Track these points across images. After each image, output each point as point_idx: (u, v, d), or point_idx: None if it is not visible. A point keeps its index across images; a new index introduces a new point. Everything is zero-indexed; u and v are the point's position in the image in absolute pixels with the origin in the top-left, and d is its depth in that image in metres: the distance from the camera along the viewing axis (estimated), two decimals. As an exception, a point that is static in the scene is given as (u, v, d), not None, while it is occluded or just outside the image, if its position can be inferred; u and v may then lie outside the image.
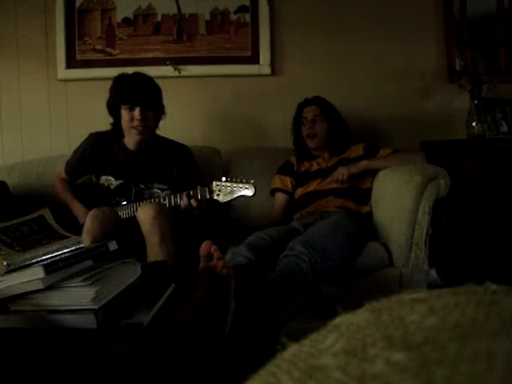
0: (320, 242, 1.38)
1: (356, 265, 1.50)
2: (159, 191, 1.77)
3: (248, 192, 1.48)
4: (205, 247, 1.13)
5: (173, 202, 1.57)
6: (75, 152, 1.86)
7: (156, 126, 1.81)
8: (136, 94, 1.67)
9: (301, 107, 2.01)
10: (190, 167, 1.83)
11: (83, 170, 1.84)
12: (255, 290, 1.22)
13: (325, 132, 1.93)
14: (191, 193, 1.53)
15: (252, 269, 1.35)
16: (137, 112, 1.67)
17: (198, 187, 1.53)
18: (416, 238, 1.55)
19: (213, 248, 1.13)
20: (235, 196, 1.49)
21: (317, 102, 1.98)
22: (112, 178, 1.77)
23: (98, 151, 1.80)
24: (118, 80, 1.73)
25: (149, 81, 1.72)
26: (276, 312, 1.21)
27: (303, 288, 1.27)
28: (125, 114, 1.69)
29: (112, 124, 1.78)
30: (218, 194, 1.50)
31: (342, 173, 1.79)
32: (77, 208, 1.74)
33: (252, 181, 1.48)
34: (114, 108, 1.73)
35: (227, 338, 1.07)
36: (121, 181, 1.76)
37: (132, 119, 1.68)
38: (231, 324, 1.08)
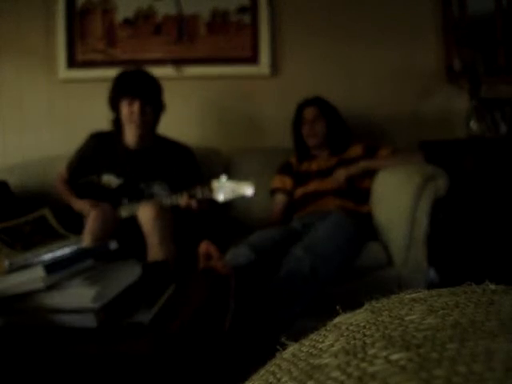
0: (320, 246, 1.38)
1: (355, 265, 1.50)
2: (159, 190, 1.77)
3: (247, 192, 1.48)
4: (203, 247, 1.14)
5: (174, 201, 1.57)
6: (76, 152, 1.87)
7: (156, 123, 1.81)
8: (136, 87, 1.70)
9: (300, 108, 2.00)
10: (190, 167, 1.83)
11: (84, 171, 1.84)
12: (256, 293, 1.22)
13: (325, 132, 1.93)
14: (191, 192, 1.53)
15: (252, 268, 1.35)
16: (136, 106, 1.69)
17: (198, 186, 1.54)
18: (415, 237, 1.55)
19: (211, 248, 1.13)
20: (235, 195, 1.50)
21: (316, 102, 1.98)
22: (113, 177, 1.77)
23: (98, 151, 1.81)
24: (120, 74, 1.76)
25: (149, 77, 1.76)
26: (276, 312, 1.21)
27: (304, 292, 1.27)
28: (124, 108, 1.72)
29: (113, 120, 1.79)
30: (218, 193, 1.50)
31: (341, 175, 1.80)
32: (78, 203, 1.74)
33: (251, 181, 1.48)
34: (114, 103, 1.75)
35: (227, 337, 1.07)
36: (121, 179, 1.76)
37: (131, 113, 1.70)
38: (231, 323, 1.08)
